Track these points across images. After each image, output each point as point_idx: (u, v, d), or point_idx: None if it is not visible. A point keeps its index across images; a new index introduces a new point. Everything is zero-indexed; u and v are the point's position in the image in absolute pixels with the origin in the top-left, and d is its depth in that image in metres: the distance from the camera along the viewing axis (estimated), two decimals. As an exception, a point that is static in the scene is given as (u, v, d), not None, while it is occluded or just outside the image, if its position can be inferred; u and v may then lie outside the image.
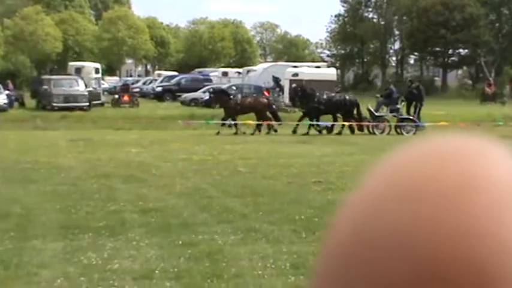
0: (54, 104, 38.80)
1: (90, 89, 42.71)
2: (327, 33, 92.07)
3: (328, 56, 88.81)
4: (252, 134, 26.64)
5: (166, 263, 7.88)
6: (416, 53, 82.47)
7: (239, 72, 56.67)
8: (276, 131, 27.12)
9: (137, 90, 53.25)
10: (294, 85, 30.20)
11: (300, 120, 27.24)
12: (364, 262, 0.41)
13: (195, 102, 44.20)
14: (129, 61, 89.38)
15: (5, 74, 52.80)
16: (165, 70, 75.55)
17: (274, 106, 28.46)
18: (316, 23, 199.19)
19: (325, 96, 27.40)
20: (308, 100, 26.99)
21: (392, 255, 0.40)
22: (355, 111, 27.19)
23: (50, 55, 70.19)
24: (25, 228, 9.67)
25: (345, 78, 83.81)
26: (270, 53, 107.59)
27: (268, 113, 27.29)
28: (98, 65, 51.36)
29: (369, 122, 27.42)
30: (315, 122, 27.17)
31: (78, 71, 47.53)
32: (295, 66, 46.14)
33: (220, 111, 28.72)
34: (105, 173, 15.50)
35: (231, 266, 7.72)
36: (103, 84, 53.16)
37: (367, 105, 27.93)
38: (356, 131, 27.14)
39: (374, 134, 26.85)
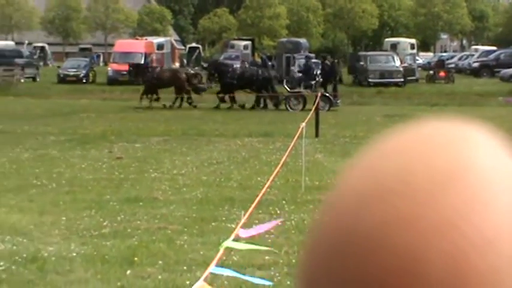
0: (370, 80, 39.56)
1: (405, 64, 42.77)
2: None
3: None
4: (171, 106, 26.96)
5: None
6: None
7: None
8: (195, 106, 27.13)
9: (452, 65, 52.09)
10: (209, 64, 30.78)
11: (217, 95, 27.46)
12: (345, 261, 0.40)
13: (516, 78, 42.02)
14: (443, 36, 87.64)
15: (324, 51, 54.97)
16: (482, 45, 72.77)
17: (199, 80, 28.70)
18: None
19: (238, 72, 28.09)
20: (222, 76, 27.63)
21: (373, 254, 0.39)
22: (269, 87, 27.26)
23: (365, 32, 71.55)
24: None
25: None
26: None
27: (187, 87, 27.61)
28: (413, 41, 51.20)
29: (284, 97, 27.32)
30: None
31: (394, 47, 47.85)
32: None
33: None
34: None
35: None
36: (417, 60, 52.87)
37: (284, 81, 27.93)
38: (270, 107, 27.21)
39: (287, 110, 26.35)
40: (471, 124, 0.43)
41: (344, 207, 0.41)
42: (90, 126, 20.46)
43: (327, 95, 27.70)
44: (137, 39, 47.25)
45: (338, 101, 27.92)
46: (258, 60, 45.15)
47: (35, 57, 51.34)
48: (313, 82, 27.89)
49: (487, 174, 0.40)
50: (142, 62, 39.45)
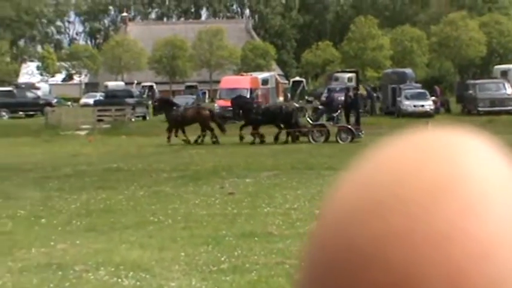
0: (480, 109, 38.59)
1: (517, 92, 41.45)
2: None
3: None
4: (196, 141, 27.77)
5: None
6: None
7: None
8: (218, 142, 27.95)
9: None
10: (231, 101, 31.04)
11: (241, 129, 28.19)
12: (337, 278, 0.39)
13: None
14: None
15: (430, 81, 54.10)
16: None
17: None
18: None
19: (262, 107, 29.39)
20: (247, 111, 28.27)
21: (365, 270, 0.38)
22: (292, 120, 27.90)
23: (473, 60, 69.95)
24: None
25: None
26: None
27: (212, 124, 28.48)
28: (525, 67, 49.67)
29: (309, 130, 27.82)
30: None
31: (504, 74, 46.54)
32: None
33: None
34: None
35: None
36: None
37: (306, 114, 28.93)
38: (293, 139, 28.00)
39: (310, 142, 27.11)
40: (464, 133, 0.42)
41: (334, 222, 0.41)
42: (200, 162, 20.82)
43: (349, 127, 28.00)
44: (242, 75, 47.96)
45: (360, 133, 27.95)
46: (363, 92, 44.95)
47: (144, 96, 52.97)
48: (335, 114, 28.07)
49: (480, 183, 0.39)
50: (248, 96, 39.95)
